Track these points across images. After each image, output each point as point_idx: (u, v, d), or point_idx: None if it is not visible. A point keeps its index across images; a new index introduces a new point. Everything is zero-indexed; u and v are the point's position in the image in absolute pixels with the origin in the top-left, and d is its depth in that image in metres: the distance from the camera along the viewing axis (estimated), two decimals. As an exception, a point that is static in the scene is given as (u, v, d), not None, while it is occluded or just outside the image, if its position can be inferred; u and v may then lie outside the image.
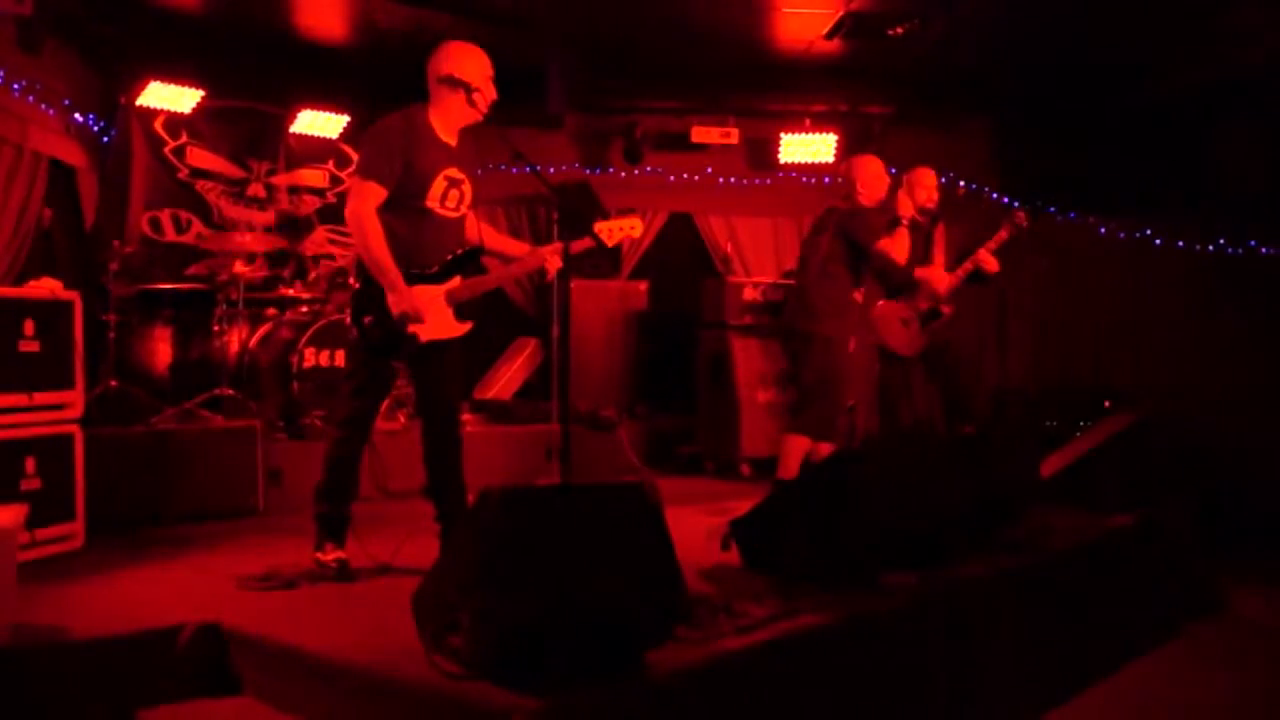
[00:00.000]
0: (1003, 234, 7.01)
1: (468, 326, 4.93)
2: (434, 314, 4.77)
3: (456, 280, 4.85)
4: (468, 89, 4.77)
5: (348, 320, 4.84)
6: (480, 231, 5.11)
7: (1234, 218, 10.51)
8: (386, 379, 5.01)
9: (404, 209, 4.71)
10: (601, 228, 5.04)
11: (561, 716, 2.94)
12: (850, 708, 3.85)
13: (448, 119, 4.83)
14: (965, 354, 7.40)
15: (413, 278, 4.71)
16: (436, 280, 4.80)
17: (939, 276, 7.11)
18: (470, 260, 4.93)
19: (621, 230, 5.07)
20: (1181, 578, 6.16)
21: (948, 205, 7.32)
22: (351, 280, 4.80)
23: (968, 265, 7.03)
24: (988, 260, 6.99)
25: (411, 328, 4.69)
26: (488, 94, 4.83)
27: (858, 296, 6.81)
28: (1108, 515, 5.97)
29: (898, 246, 6.86)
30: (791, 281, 9.17)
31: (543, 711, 2.93)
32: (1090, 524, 5.84)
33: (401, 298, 4.64)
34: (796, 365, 6.94)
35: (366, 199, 4.62)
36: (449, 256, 4.84)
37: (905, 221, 7.01)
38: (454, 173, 4.83)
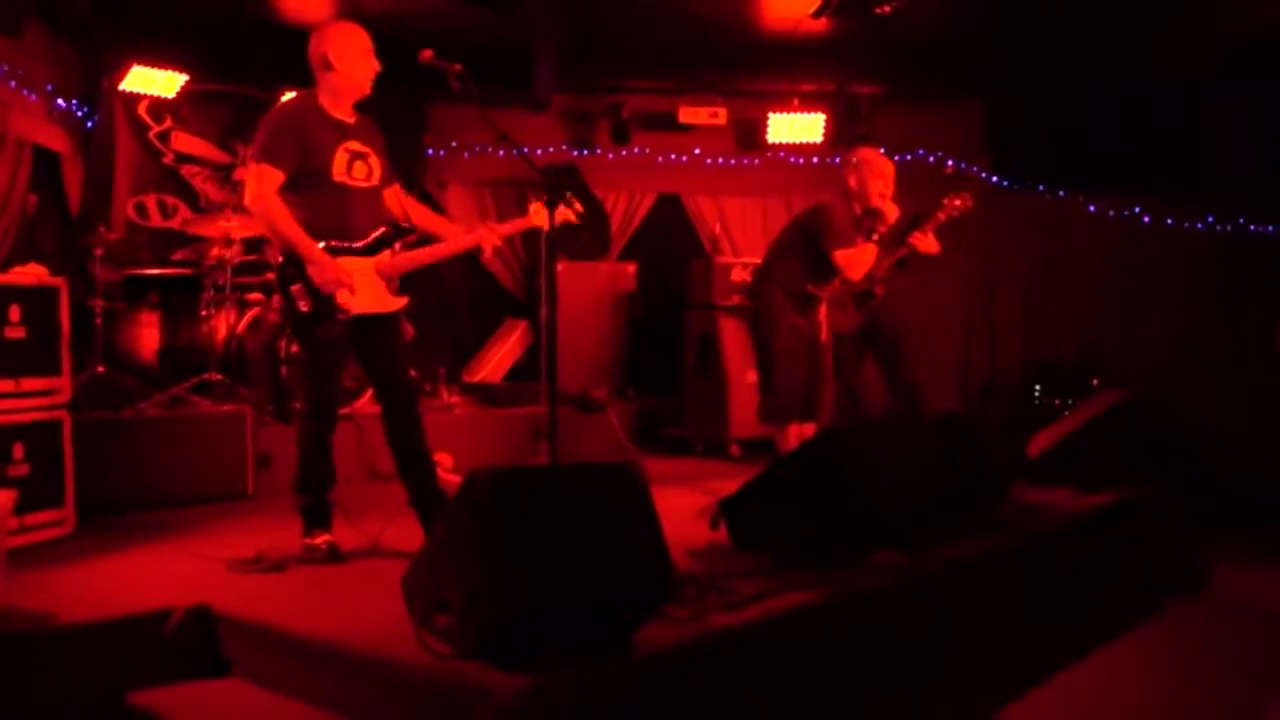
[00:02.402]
0: (940, 216, 6.81)
1: (404, 301, 5.01)
2: (365, 287, 4.83)
3: (386, 254, 4.91)
4: (346, 67, 4.83)
5: (276, 299, 4.86)
6: (406, 208, 5.17)
7: (1223, 196, 10.54)
8: (343, 364, 5.04)
9: (315, 186, 4.77)
10: (539, 208, 5.12)
11: (549, 695, 2.95)
12: (838, 685, 3.86)
13: (335, 97, 4.88)
14: (914, 337, 7.32)
15: (335, 251, 4.76)
16: (364, 254, 4.86)
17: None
18: (400, 236, 4.99)
19: (559, 214, 5.11)
20: (1165, 555, 6.19)
21: (932, 184, 7.20)
22: (277, 256, 4.82)
23: (901, 251, 6.87)
24: (922, 242, 6.83)
25: (342, 300, 4.74)
26: (367, 69, 4.89)
27: (816, 291, 6.76)
28: (1094, 494, 5.99)
29: (861, 257, 6.67)
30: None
31: (531, 690, 2.94)
32: (1076, 502, 5.87)
33: (321, 268, 4.69)
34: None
35: (265, 181, 4.68)
36: (377, 231, 4.92)
37: (879, 232, 6.80)
38: (354, 145, 4.89)
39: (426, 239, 5.16)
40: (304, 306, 4.72)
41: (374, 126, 5.08)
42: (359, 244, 4.85)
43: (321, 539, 4.83)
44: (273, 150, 4.71)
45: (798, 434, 6.76)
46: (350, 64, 4.84)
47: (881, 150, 6.91)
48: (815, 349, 6.77)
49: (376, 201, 5.03)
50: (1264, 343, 9.33)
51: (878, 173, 6.76)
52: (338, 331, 4.77)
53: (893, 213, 6.74)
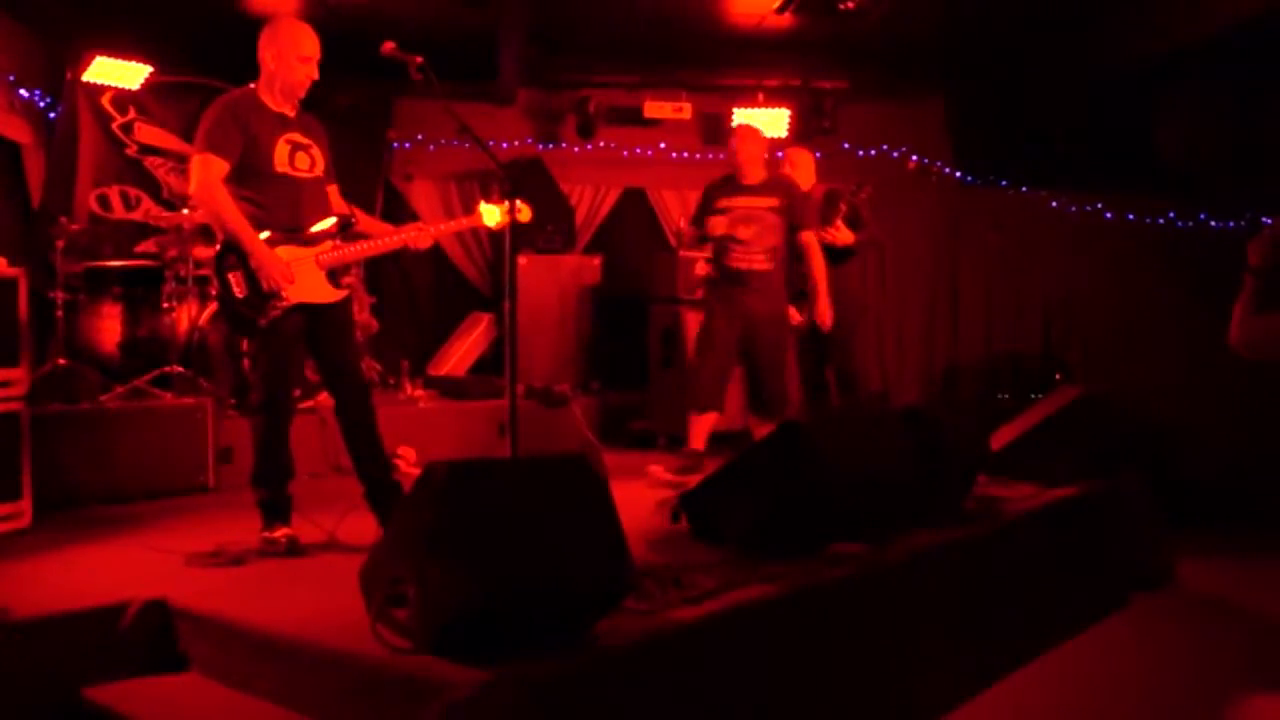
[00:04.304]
0: (843, 207, 7.04)
1: (344, 293, 5.06)
2: (304, 276, 4.86)
3: (328, 245, 4.97)
4: (282, 71, 4.89)
5: (214, 288, 4.89)
6: (349, 206, 5.24)
7: (1184, 192, 10.61)
8: (294, 356, 5.05)
9: (258, 177, 4.82)
10: (486, 208, 5.25)
11: (507, 689, 2.95)
12: (798, 678, 3.87)
13: (274, 92, 4.93)
14: (858, 335, 7.44)
15: (276, 240, 4.80)
16: (305, 244, 4.91)
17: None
18: (343, 229, 5.06)
19: (504, 213, 5.18)
20: (1129, 549, 6.22)
21: (895, 179, 7.31)
22: (218, 245, 4.85)
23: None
24: (834, 236, 7.00)
25: (280, 287, 4.77)
26: (304, 74, 4.93)
27: (724, 259, 7.01)
28: (1056, 488, 6.02)
29: (715, 217, 6.99)
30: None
31: (488, 684, 2.94)
32: (1039, 496, 5.89)
33: (261, 259, 4.73)
34: None
35: (210, 170, 4.72)
36: (320, 222, 4.97)
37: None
38: (296, 137, 4.95)
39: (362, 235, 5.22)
40: (239, 292, 4.75)
41: (316, 122, 5.14)
42: (300, 234, 4.90)
43: (280, 533, 4.83)
44: (216, 140, 4.75)
45: (695, 423, 7.00)
46: (287, 68, 4.89)
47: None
48: (718, 338, 6.92)
49: (320, 193, 5.06)
50: (1223, 338, 9.40)
51: (740, 135, 7.09)
52: (275, 318, 4.77)
53: (753, 171, 6.96)
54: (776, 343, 7.02)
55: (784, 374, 7.08)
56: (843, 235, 6.97)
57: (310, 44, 4.91)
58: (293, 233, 4.87)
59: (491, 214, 5.21)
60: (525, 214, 5.15)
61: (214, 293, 4.89)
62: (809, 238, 6.96)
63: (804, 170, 7.43)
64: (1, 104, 8.15)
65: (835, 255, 7.09)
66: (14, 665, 3.64)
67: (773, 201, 6.93)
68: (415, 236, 5.19)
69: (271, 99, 4.92)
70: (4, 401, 5.29)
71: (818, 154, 7.83)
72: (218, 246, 4.83)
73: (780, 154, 7.27)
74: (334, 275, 4.99)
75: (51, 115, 8.83)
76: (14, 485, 5.31)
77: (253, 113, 4.84)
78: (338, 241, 4.99)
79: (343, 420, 5.10)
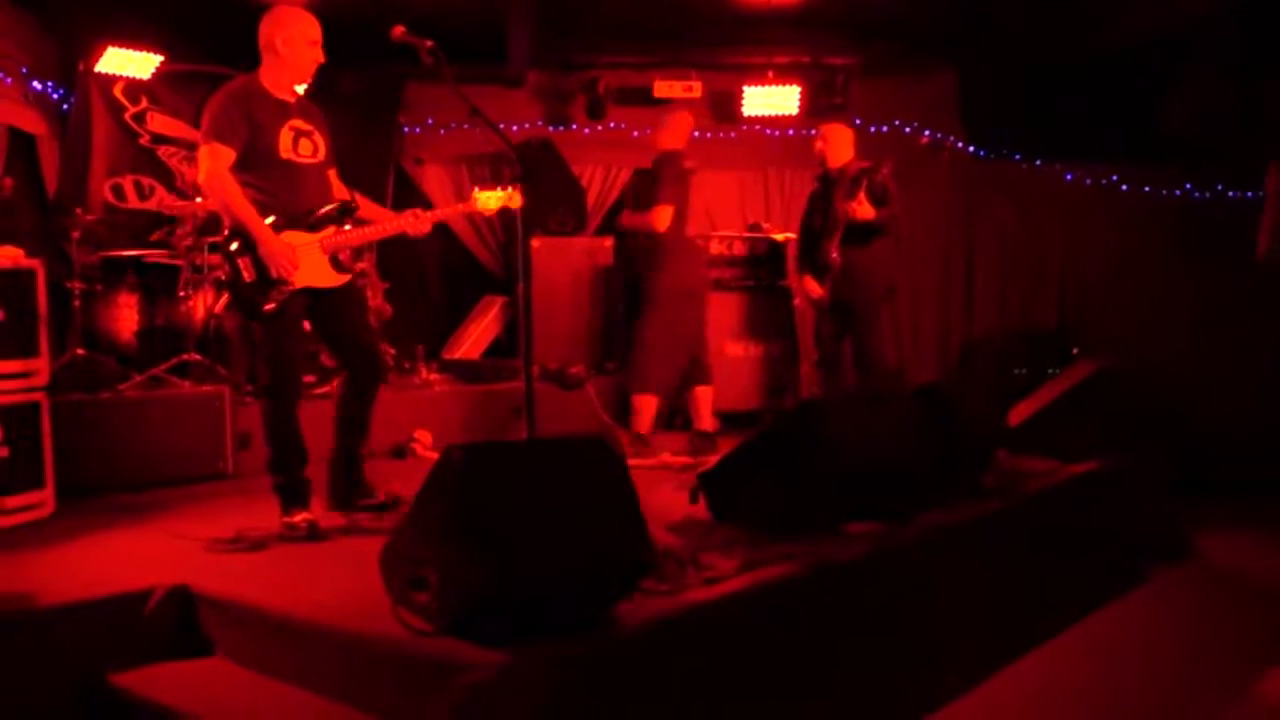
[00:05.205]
0: (864, 182, 7.07)
1: (347, 277, 5.14)
2: (309, 261, 4.93)
3: (331, 230, 5.03)
4: (291, 54, 4.95)
5: (223, 272, 4.94)
6: (350, 191, 5.31)
7: (1201, 162, 10.55)
8: (299, 340, 5.09)
9: (263, 164, 4.88)
10: (481, 195, 5.27)
11: (527, 671, 2.97)
12: (817, 658, 3.89)
13: (277, 79, 5.00)
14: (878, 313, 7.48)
15: (281, 225, 4.87)
16: (310, 229, 4.97)
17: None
18: (345, 214, 5.12)
19: (498, 199, 5.25)
20: (1149, 524, 6.22)
21: (907, 155, 7.33)
22: (224, 231, 4.91)
23: (840, 228, 7.13)
24: (857, 211, 7.04)
25: (288, 273, 4.83)
26: (312, 58, 5.01)
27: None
28: (1075, 463, 6.02)
29: None
30: (758, 234, 9.29)
31: (509, 666, 2.96)
32: (1058, 471, 5.89)
33: (269, 246, 4.79)
34: None
35: (218, 160, 4.78)
36: (324, 208, 5.03)
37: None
38: (298, 124, 5.01)
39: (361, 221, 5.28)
40: (247, 277, 4.81)
41: (315, 107, 5.19)
42: (305, 219, 4.95)
43: (300, 517, 4.86)
44: (221, 129, 4.80)
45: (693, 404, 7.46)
46: (296, 52, 4.94)
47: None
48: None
49: (323, 178, 5.12)
50: (1241, 309, 9.34)
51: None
52: (281, 302, 4.82)
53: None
54: (640, 312, 7.31)
55: (638, 346, 7.33)
56: (864, 210, 6.99)
57: (315, 28, 4.98)
58: (297, 218, 4.93)
59: (487, 199, 5.23)
60: (515, 200, 5.20)
61: (222, 278, 4.94)
62: (656, 209, 7.14)
63: (837, 146, 7.44)
64: (16, 96, 8.18)
65: (860, 233, 7.11)
66: (40, 651, 3.68)
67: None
68: (414, 222, 5.24)
69: (274, 86, 4.97)
70: (25, 392, 5.34)
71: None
72: (225, 233, 4.88)
73: (812, 131, 7.32)
74: (337, 259, 5.06)
75: (65, 107, 8.86)
76: (37, 474, 5.35)
77: (255, 100, 4.90)
78: (340, 226, 5.06)
79: (348, 386, 5.20)
